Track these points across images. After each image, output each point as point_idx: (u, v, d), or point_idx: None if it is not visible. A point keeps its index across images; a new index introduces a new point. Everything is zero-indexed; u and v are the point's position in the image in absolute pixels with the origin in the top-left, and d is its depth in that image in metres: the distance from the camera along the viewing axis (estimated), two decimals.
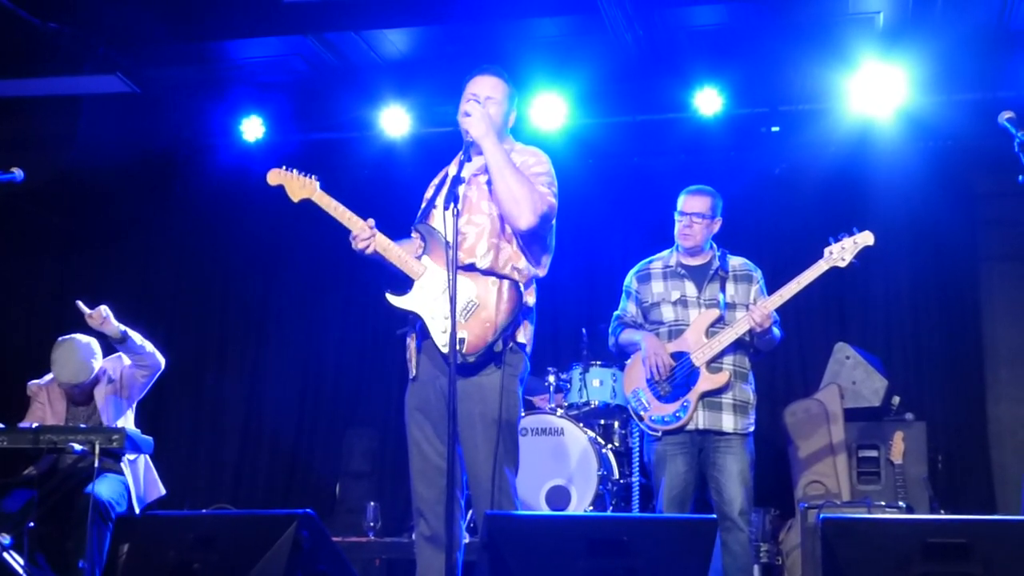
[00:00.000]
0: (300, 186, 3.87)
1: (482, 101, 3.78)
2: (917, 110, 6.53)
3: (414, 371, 3.73)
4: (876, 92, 6.44)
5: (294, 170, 3.90)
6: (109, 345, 5.19)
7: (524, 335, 3.72)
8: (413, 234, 3.84)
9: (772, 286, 4.57)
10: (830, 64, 6.40)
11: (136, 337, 5.13)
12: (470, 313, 3.61)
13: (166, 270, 7.95)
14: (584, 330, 6.13)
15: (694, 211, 4.65)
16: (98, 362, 5.21)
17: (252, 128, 7.40)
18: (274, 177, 3.91)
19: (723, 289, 4.59)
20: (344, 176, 7.07)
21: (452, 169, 3.86)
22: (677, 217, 4.69)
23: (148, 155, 7.45)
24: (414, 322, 3.73)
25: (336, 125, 7.41)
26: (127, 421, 5.24)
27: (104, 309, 5.04)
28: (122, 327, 5.09)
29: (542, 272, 3.82)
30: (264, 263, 7.86)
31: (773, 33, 6.35)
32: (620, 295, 4.83)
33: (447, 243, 3.54)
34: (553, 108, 6.90)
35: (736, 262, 4.70)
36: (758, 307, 4.45)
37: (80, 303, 5.03)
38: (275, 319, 7.78)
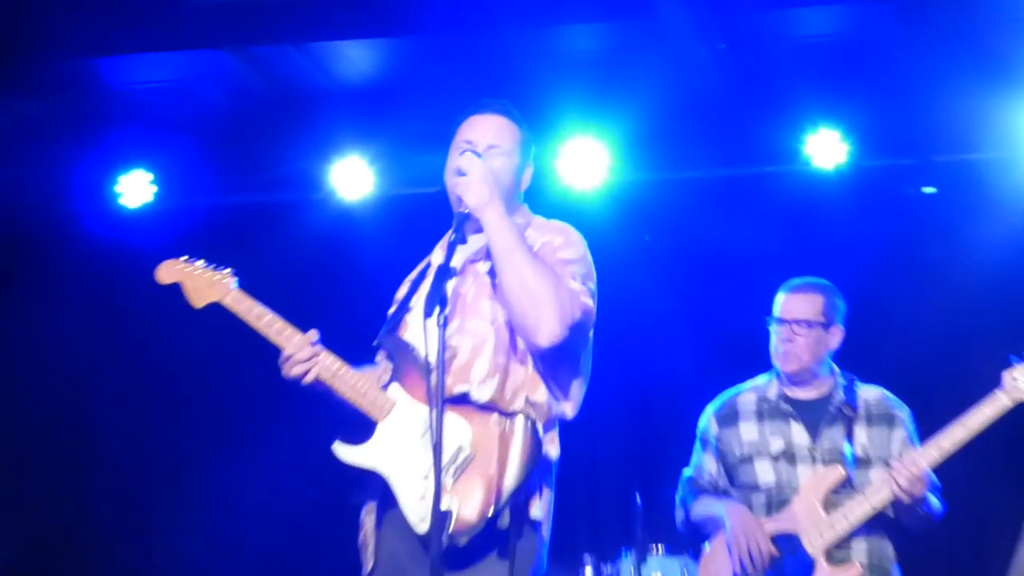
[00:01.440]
0: (206, 284, 3.91)
1: (483, 152, 3.81)
2: None
3: (371, 562, 3.71)
4: None
5: (198, 261, 3.95)
6: None
7: (540, 506, 3.70)
8: (378, 356, 3.85)
9: (925, 430, 4.57)
10: (1010, 94, 6.42)
11: None
12: (462, 469, 3.60)
13: (2, 394, 7.89)
14: (638, 497, 6.06)
15: (798, 317, 4.71)
16: None
17: (136, 187, 7.45)
18: (168, 273, 3.97)
19: (850, 436, 4.64)
20: (275, 261, 7.07)
21: (437, 256, 3.89)
22: (774, 326, 4.73)
23: None
24: (373, 485, 3.71)
25: (265, 183, 7.49)
26: None
27: None
28: None
29: (571, 410, 3.81)
30: (152, 387, 7.82)
31: (920, 48, 6.40)
32: (692, 444, 4.86)
33: (428, 364, 3.52)
34: (590, 159, 6.96)
35: (870, 394, 4.74)
36: (905, 464, 4.45)
37: None
38: (165, 468, 7.72)
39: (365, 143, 7.24)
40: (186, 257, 3.96)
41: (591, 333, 3.85)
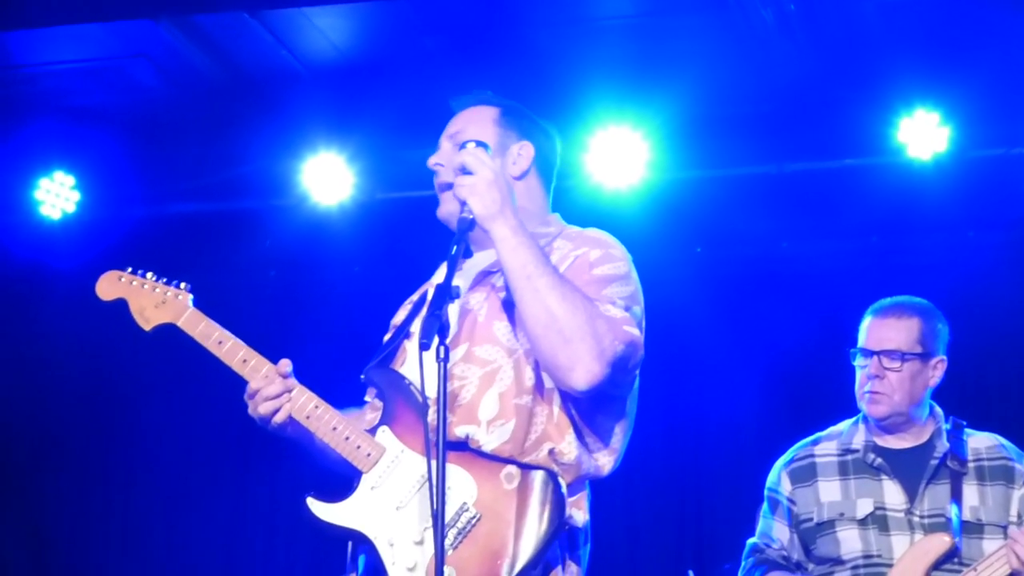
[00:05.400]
0: (155, 303, 3.97)
1: (493, 146, 3.86)
2: None
3: None
4: None
5: (148, 274, 4.01)
6: None
7: None
8: (367, 393, 3.89)
9: None
10: None
11: None
12: (464, 534, 3.61)
13: None
14: (691, 575, 6.07)
15: (890, 347, 4.70)
16: None
17: (57, 193, 7.46)
18: (110, 287, 4.03)
19: (957, 496, 4.62)
20: (235, 282, 7.09)
21: (439, 276, 3.87)
22: (859, 359, 4.73)
23: None
24: (356, 551, 3.73)
25: (217, 188, 7.50)
26: None
27: None
28: None
29: (610, 464, 3.83)
30: (88, 429, 7.84)
31: None
32: (756, 507, 4.85)
33: (424, 400, 3.53)
34: (625, 152, 6.98)
35: (982, 443, 4.74)
36: None
37: None
38: (96, 517, 7.76)
39: (342, 137, 7.25)
40: (131, 268, 4.00)
41: (637, 372, 3.83)
